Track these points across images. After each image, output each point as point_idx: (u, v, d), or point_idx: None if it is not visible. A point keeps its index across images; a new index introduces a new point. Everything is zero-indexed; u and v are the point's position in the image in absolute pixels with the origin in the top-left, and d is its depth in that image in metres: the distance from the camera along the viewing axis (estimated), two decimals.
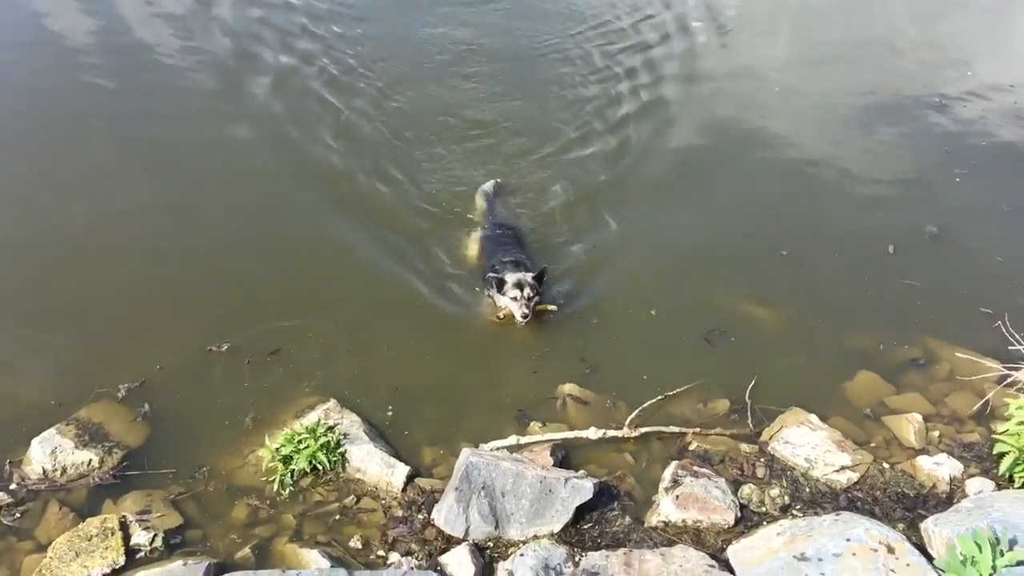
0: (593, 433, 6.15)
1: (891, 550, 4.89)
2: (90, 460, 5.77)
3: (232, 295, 7.43)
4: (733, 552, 5.23)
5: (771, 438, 6.23)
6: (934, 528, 5.20)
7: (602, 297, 7.77)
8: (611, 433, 6.18)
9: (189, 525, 5.52)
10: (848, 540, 4.99)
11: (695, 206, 9.16)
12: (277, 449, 5.82)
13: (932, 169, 9.94)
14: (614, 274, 8.06)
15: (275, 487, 5.75)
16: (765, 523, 5.52)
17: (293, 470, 5.78)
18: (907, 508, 5.70)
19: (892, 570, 4.73)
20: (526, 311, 7.17)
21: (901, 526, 5.47)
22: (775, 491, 5.79)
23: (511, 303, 7.20)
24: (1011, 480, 5.83)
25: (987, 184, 9.62)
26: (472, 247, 8.26)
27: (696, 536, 5.45)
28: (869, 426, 6.48)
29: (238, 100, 10.55)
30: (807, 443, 6.13)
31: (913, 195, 9.44)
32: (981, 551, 4.66)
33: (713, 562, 5.08)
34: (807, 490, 5.87)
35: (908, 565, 4.79)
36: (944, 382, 6.87)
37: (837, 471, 5.93)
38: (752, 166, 9.96)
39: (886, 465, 6.07)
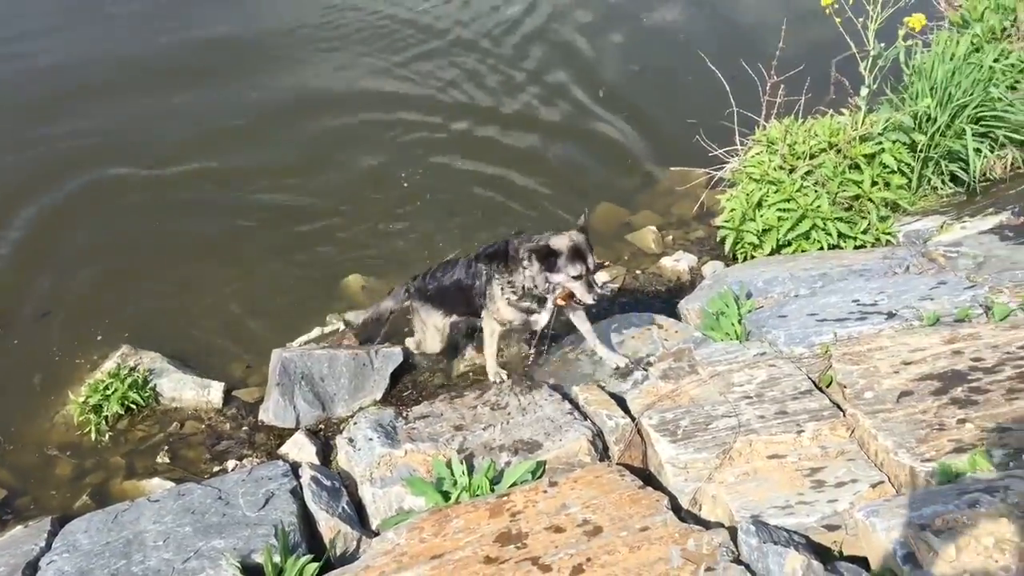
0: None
1: (661, 327, 5.83)
2: None
3: None
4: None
5: None
6: (687, 306, 6.22)
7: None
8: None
9: (15, 494, 5.42)
10: (626, 331, 5.86)
11: None
12: (85, 401, 5.78)
13: None
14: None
15: (92, 436, 5.72)
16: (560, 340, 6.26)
17: (106, 416, 5.78)
18: (663, 300, 6.71)
19: (665, 339, 5.66)
20: (599, 290, 5.04)
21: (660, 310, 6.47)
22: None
23: (573, 283, 4.87)
24: (735, 258, 7.00)
25: None
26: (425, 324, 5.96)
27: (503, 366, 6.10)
28: (618, 246, 7.43)
29: None
30: None
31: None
32: (728, 307, 5.68)
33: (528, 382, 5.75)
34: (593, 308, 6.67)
35: (676, 332, 5.77)
36: (666, 196, 7.96)
37: (601, 287, 6.81)
38: None
39: (639, 272, 7.06)
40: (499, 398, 5.22)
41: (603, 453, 4.68)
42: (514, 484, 4.38)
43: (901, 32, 6.63)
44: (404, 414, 5.47)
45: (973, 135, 6.93)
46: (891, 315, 5.13)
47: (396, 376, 5.99)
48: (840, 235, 6.67)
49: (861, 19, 6.57)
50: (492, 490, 4.37)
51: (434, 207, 7.95)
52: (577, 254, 4.81)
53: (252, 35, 10.68)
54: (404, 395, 5.96)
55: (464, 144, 8.87)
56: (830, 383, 4.79)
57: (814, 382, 4.78)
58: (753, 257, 6.88)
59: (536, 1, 11.51)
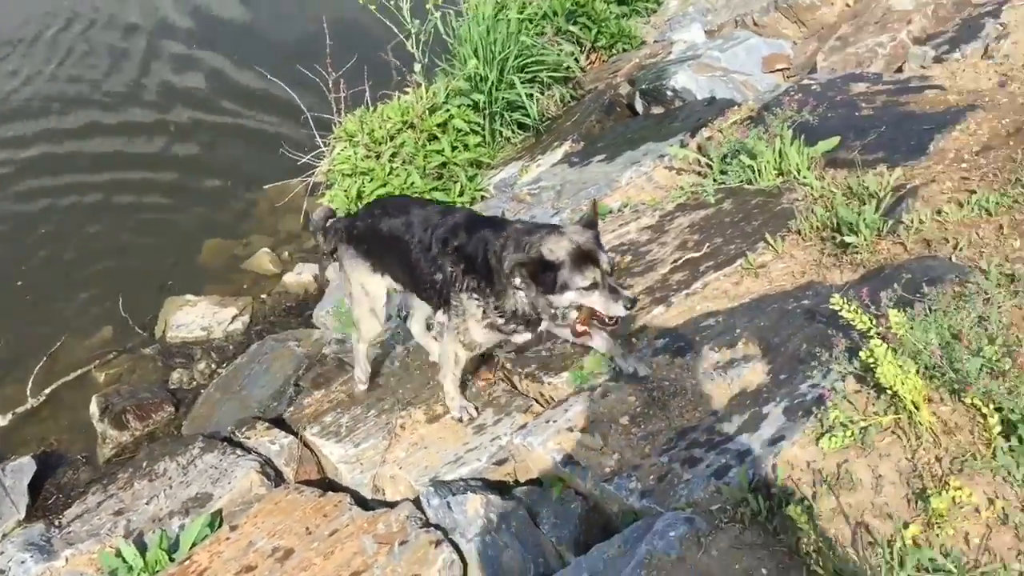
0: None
1: (299, 340, 5.83)
2: None
3: None
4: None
5: (165, 331, 6.62)
6: (320, 312, 6.24)
7: None
8: (20, 410, 5.98)
9: None
10: (267, 357, 5.75)
11: None
12: None
13: None
14: None
15: None
16: (202, 391, 5.99)
17: None
18: (298, 315, 6.67)
19: (307, 350, 5.65)
20: (627, 293, 3.60)
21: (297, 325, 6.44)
22: (201, 364, 6.25)
23: (589, 297, 3.55)
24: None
25: None
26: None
27: (151, 436, 5.73)
28: (236, 278, 7.23)
29: None
30: (195, 318, 6.67)
31: None
32: None
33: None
34: (229, 347, 6.45)
35: (316, 339, 5.79)
36: (270, 215, 7.87)
37: (231, 322, 6.60)
38: None
39: (265, 296, 6.94)
40: (155, 466, 4.89)
41: (278, 479, 4.57)
42: (195, 544, 4.14)
43: (429, 6, 7.07)
44: (56, 522, 4.96)
45: (522, 83, 7.60)
46: None
47: (35, 487, 5.38)
48: (440, 204, 7.01)
49: (393, 2, 6.91)
50: (172, 559, 4.11)
51: None
52: (584, 258, 3.53)
53: None
54: (50, 503, 5.40)
55: None
56: None
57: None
58: None
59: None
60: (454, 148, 7.24)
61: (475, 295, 3.82)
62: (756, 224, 4.61)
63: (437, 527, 3.63)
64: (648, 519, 3.18)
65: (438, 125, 7.25)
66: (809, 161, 4.87)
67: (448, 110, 7.32)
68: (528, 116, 7.72)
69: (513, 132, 7.86)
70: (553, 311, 3.66)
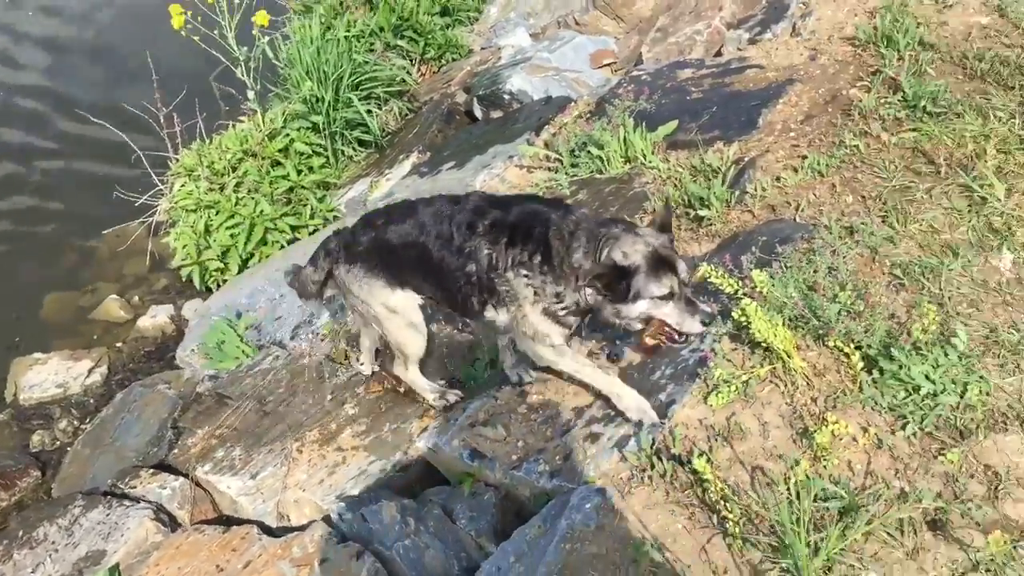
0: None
1: (168, 383, 5.64)
2: None
3: None
4: None
5: (16, 393, 6.25)
6: (184, 352, 6.03)
7: None
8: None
9: None
10: (136, 405, 5.54)
11: None
12: None
13: None
14: None
15: None
16: (68, 449, 5.69)
17: None
18: (159, 358, 6.44)
19: (178, 391, 5.48)
20: (706, 308, 3.32)
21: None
22: (63, 423, 5.93)
23: (663, 309, 3.25)
24: (208, 289, 6.92)
25: None
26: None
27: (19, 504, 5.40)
28: (86, 329, 6.91)
29: None
30: (48, 376, 6.33)
31: None
32: (225, 334, 5.64)
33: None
34: (90, 401, 6.16)
35: (187, 379, 5.64)
36: (113, 261, 7.55)
37: (87, 375, 6.30)
38: None
39: (121, 344, 6.67)
40: (33, 533, 4.62)
41: (173, 524, 4.43)
42: None
43: (255, 32, 7.00)
44: None
45: (360, 100, 7.63)
46: None
47: None
48: (293, 228, 6.95)
49: (216, 31, 6.79)
50: None
51: None
52: (661, 264, 3.18)
53: None
54: None
55: None
56: (345, 356, 5.06)
57: (332, 359, 5.01)
58: (225, 281, 6.88)
59: None
60: (299, 172, 7.18)
61: (523, 271, 3.34)
62: (614, 210, 4.85)
63: (355, 540, 3.64)
64: (562, 496, 3.33)
65: (280, 150, 7.18)
66: (652, 146, 5.17)
67: (288, 134, 7.27)
68: (369, 133, 7.77)
69: (355, 150, 7.87)
70: (619, 320, 3.31)
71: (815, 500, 3.01)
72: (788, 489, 3.04)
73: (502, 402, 3.85)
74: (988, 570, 2.81)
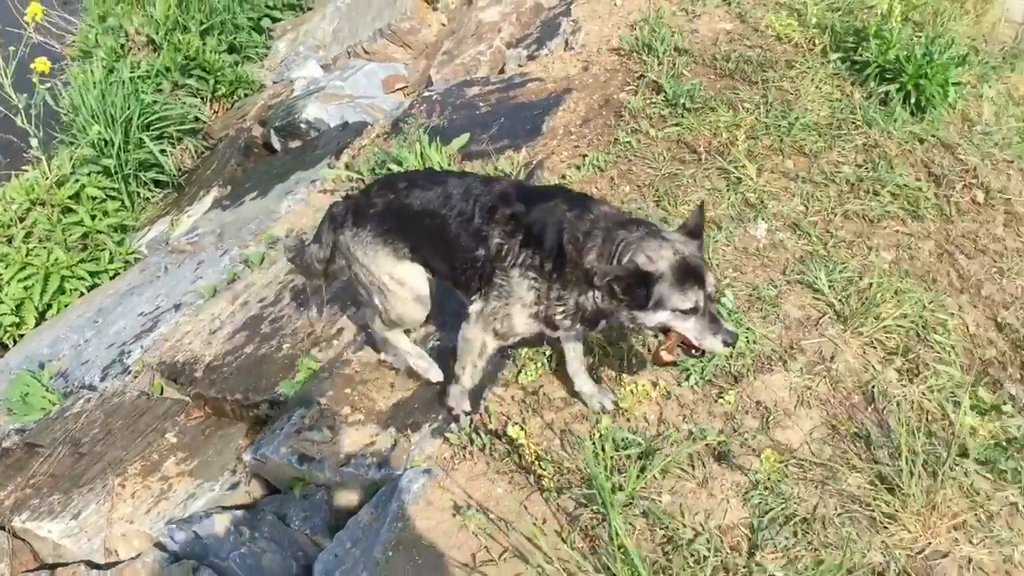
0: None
1: None
2: None
3: None
4: None
5: None
6: None
7: None
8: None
9: None
10: None
11: None
12: None
13: None
14: None
15: None
16: None
17: None
18: None
19: None
20: (730, 338, 3.05)
21: None
22: None
23: (685, 323, 3.02)
24: (3, 346, 6.61)
25: None
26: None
27: None
28: None
29: None
30: None
31: None
32: (29, 386, 5.44)
33: None
34: None
35: None
36: None
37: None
38: None
39: None
40: None
41: None
42: None
43: (34, 79, 6.79)
44: None
45: (152, 140, 7.53)
46: (178, 307, 5.51)
47: None
48: (92, 274, 6.75)
49: None
50: None
51: None
52: (688, 274, 2.96)
53: None
54: None
55: None
56: (161, 390, 5.03)
57: (147, 394, 4.96)
58: (22, 336, 6.59)
59: None
60: (94, 217, 6.99)
61: (531, 274, 3.19)
62: None
63: (189, 558, 3.66)
64: (391, 483, 3.50)
65: (71, 196, 6.96)
66: (448, 158, 5.45)
67: (79, 180, 7.06)
68: (164, 172, 7.66)
69: (152, 191, 7.75)
70: (631, 326, 3.16)
71: (616, 449, 3.35)
72: (593, 443, 3.36)
73: (326, 406, 3.98)
74: (766, 487, 3.24)
